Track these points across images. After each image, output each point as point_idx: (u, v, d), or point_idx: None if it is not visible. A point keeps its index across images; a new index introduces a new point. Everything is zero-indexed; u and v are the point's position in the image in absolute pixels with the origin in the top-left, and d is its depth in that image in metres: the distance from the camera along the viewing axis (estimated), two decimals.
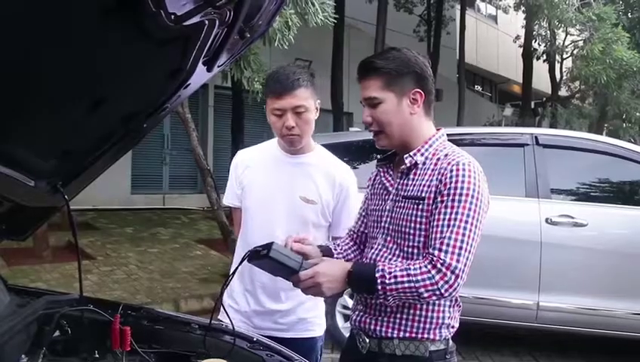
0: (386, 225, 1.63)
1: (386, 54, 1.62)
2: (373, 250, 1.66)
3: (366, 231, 1.78)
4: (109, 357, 1.52)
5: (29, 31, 0.92)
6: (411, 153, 1.61)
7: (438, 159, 1.58)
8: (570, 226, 4.08)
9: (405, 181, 1.62)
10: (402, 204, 1.59)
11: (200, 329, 1.64)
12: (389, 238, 1.62)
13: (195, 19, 1.07)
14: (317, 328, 2.16)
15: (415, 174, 1.60)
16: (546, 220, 4.08)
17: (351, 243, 1.83)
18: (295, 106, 1.97)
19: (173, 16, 1.00)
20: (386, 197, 1.66)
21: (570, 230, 4.08)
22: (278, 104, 1.97)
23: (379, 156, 1.76)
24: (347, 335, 4.75)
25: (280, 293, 2.07)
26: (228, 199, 2.21)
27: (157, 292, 5.44)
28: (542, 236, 4.05)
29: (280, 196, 2.06)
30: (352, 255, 1.81)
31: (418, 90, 1.59)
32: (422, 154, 1.60)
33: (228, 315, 1.66)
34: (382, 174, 1.71)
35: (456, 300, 1.61)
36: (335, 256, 1.77)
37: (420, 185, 1.56)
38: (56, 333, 1.52)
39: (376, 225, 1.68)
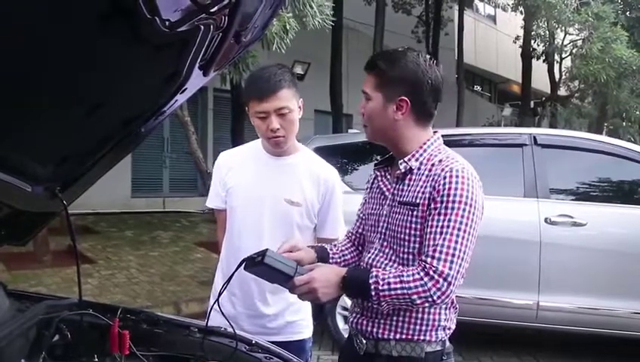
0: (383, 230, 1.64)
1: (391, 55, 1.62)
2: (369, 255, 1.67)
3: (364, 233, 1.77)
4: (108, 361, 1.53)
5: (27, 38, 0.94)
6: (406, 158, 1.60)
7: (433, 165, 1.57)
8: (570, 226, 4.08)
9: (401, 186, 1.62)
10: (398, 210, 1.59)
11: (199, 332, 1.65)
12: (385, 243, 1.63)
13: (190, 25, 1.08)
14: (305, 330, 2.17)
15: (410, 179, 1.60)
16: (545, 220, 4.08)
17: (349, 245, 1.84)
18: (278, 108, 1.95)
19: (167, 22, 1.02)
20: (383, 201, 1.66)
21: (570, 230, 4.09)
22: (260, 107, 1.96)
23: (379, 158, 1.76)
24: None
25: (267, 297, 2.06)
26: (211, 201, 2.20)
27: (157, 295, 5.44)
28: (541, 236, 4.05)
29: (264, 198, 2.05)
30: (349, 256, 1.81)
31: (405, 97, 1.57)
32: (416, 160, 1.60)
33: (227, 319, 1.65)
34: (379, 178, 1.71)
35: (452, 302, 1.62)
36: (331, 256, 1.78)
37: (415, 191, 1.56)
38: (56, 338, 1.53)
39: (373, 229, 1.68)
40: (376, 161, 1.76)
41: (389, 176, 1.69)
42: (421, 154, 1.60)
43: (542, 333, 4.54)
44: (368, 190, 1.78)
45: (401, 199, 1.59)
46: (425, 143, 1.62)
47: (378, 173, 1.72)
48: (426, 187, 1.54)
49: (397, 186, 1.63)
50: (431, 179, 1.54)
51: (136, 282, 5.80)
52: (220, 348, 1.60)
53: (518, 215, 4.24)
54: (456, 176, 1.50)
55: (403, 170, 1.60)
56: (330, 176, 2.13)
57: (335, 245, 1.84)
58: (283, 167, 2.09)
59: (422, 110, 1.61)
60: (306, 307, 2.17)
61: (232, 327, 1.61)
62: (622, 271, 4.02)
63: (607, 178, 4.57)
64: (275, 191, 2.05)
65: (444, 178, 1.51)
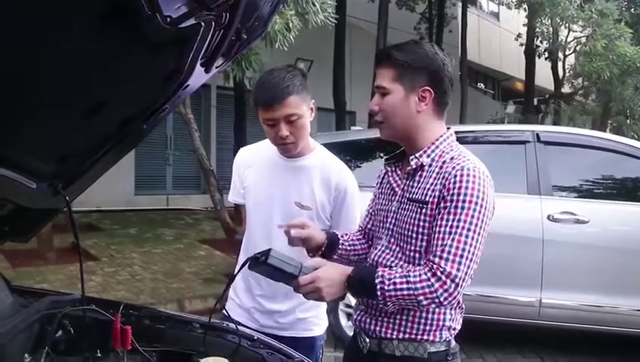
0: (391, 227, 1.61)
1: (405, 46, 1.58)
2: (376, 251, 1.65)
3: (372, 228, 1.76)
4: (111, 356, 1.54)
5: (30, 38, 0.94)
6: (417, 154, 1.57)
7: (444, 162, 1.53)
8: (572, 223, 4.08)
9: (411, 183, 1.59)
10: (407, 207, 1.57)
11: (201, 328, 1.66)
12: (392, 240, 1.61)
13: (191, 22, 1.09)
14: (316, 328, 2.16)
15: (421, 176, 1.56)
16: (548, 217, 4.08)
17: (360, 237, 1.82)
18: (287, 115, 1.90)
19: (168, 19, 1.02)
20: (393, 197, 1.64)
21: (572, 227, 4.08)
22: (269, 114, 1.91)
23: (382, 155, 1.75)
24: (350, 333, 4.78)
25: (278, 294, 2.06)
26: (233, 196, 2.21)
27: (161, 292, 5.46)
28: (544, 233, 4.05)
29: (275, 200, 2.04)
30: (359, 247, 1.79)
31: (428, 87, 1.54)
32: (428, 156, 1.57)
33: (230, 317, 1.66)
34: (390, 174, 1.68)
35: (458, 302, 1.58)
36: (341, 242, 1.76)
37: (425, 188, 1.53)
38: (59, 333, 1.54)
39: (381, 225, 1.66)
40: (383, 157, 1.73)
41: (399, 172, 1.66)
42: (433, 151, 1.57)
43: (545, 330, 4.53)
44: (378, 185, 1.75)
45: (411, 196, 1.56)
46: (437, 139, 1.59)
47: (389, 169, 1.70)
48: (436, 185, 1.51)
49: (407, 183, 1.60)
50: (441, 176, 1.51)
51: (139, 279, 5.82)
52: (223, 344, 1.61)
53: (521, 212, 4.23)
54: (468, 175, 1.47)
55: (414, 166, 1.58)
56: (342, 181, 2.07)
57: (347, 234, 1.83)
58: (294, 170, 2.06)
59: (442, 100, 1.59)
60: (319, 305, 2.15)
61: (235, 323, 1.62)
62: (624, 268, 4.02)
63: (610, 175, 4.56)
64: (286, 194, 2.04)
65: (455, 176, 1.47)
